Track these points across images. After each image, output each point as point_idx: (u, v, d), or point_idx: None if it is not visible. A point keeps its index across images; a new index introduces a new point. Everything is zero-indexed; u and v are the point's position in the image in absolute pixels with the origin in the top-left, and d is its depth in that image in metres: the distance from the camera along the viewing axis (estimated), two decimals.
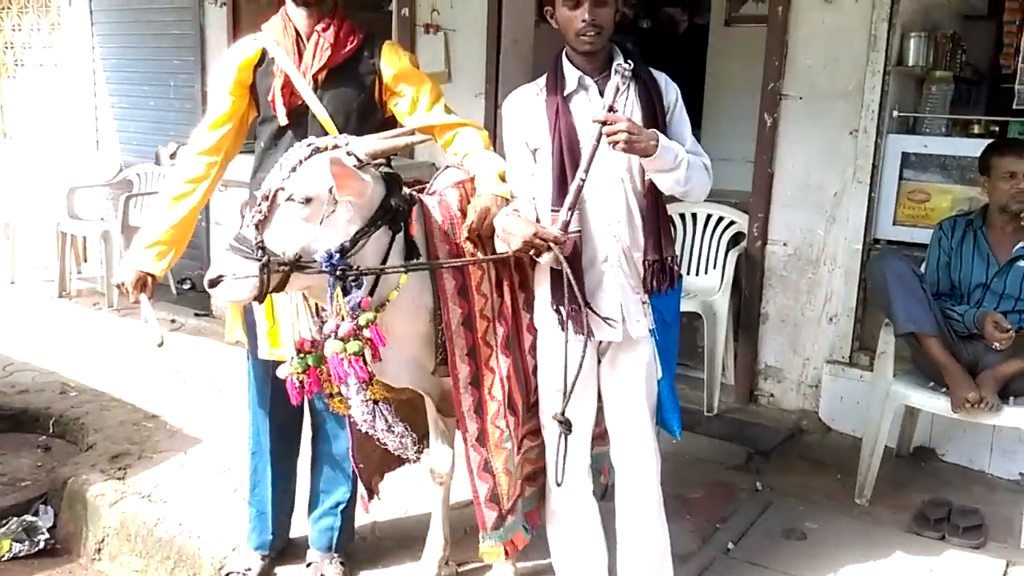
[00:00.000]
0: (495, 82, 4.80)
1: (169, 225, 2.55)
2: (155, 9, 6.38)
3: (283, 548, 2.92)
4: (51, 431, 4.10)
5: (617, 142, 2.11)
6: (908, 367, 3.37)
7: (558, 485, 2.30)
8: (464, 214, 2.35)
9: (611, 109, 2.15)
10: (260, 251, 2.03)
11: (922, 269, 3.34)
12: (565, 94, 2.30)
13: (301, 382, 2.23)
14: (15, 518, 3.35)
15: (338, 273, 2.05)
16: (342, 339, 2.05)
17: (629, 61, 2.28)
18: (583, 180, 2.17)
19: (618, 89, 2.17)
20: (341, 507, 2.83)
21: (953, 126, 3.92)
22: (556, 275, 2.29)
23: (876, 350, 3.40)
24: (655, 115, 2.30)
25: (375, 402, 2.17)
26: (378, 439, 2.28)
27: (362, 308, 2.07)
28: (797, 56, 3.96)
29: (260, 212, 2.05)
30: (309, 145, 2.12)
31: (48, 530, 3.37)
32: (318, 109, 2.50)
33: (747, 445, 3.77)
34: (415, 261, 2.23)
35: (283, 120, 2.52)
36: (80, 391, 4.38)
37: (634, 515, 2.49)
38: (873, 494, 3.33)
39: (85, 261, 6.85)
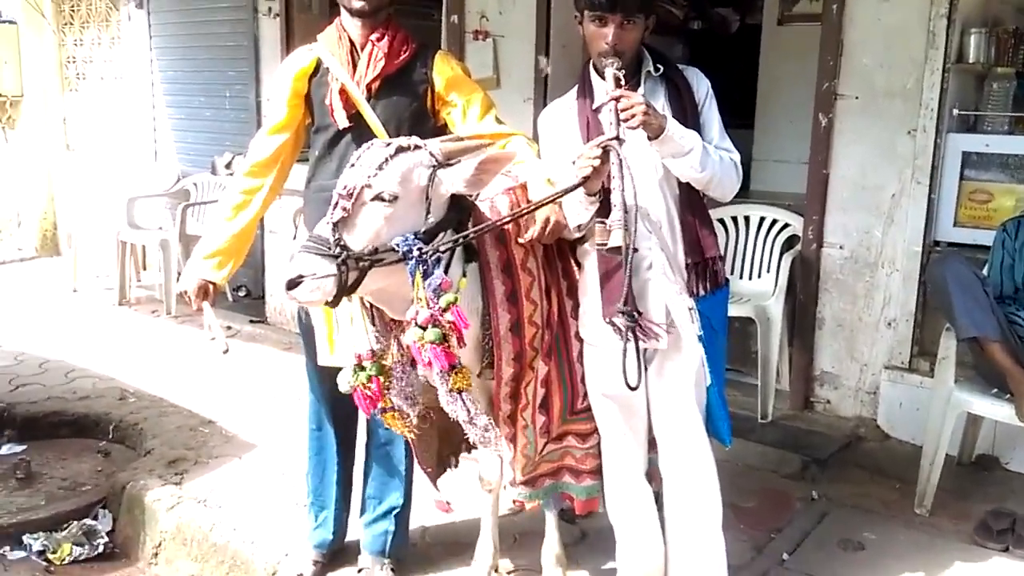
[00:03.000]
0: (543, 86, 4.81)
1: (230, 234, 2.62)
2: (210, 22, 6.51)
3: (336, 552, 2.95)
4: (111, 436, 4.18)
5: (634, 115, 2.08)
6: (970, 373, 3.27)
7: (631, 388, 2.16)
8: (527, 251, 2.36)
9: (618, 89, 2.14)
10: (339, 248, 1.99)
11: (984, 272, 3.24)
12: (594, 107, 2.30)
13: (369, 393, 2.22)
14: (75, 522, 3.43)
15: (416, 253, 2.02)
16: (421, 326, 2.02)
17: (658, 65, 2.32)
18: (620, 141, 2.09)
19: (617, 79, 2.16)
20: (396, 512, 2.84)
21: (1016, 124, 3.78)
22: (607, 282, 2.27)
23: (936, 355, 3.30)
24: (686, 114, 2.29)
25: (459, 391, 2.13)
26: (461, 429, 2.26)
27: (443, 289, 2.04)
28: (853, 55, 3.88)
29: (344, 210, 2.01)
30: (388, 144, 2.10)
31: (107, 534, 3.44)
32: (371, 118, 2.53)
33: (802, 453, 3.68)
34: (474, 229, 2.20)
35: (344, 123, 2.55)
36: (139, 397, 4.47)
37: (691, 524, 2.45)
38: (934, 504, 3.24)
39: (144, 269, 7.02)
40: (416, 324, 2.02)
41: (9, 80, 7.82)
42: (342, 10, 2.61)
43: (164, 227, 6.42)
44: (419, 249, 2.03)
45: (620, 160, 2.07)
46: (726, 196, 2.36)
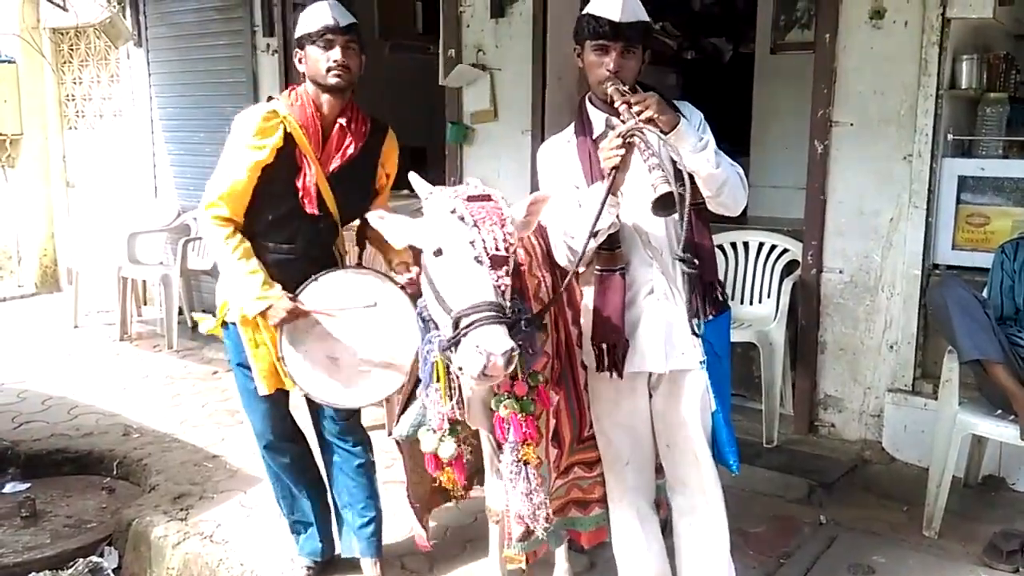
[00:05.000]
0: (541, 118, 4.85)
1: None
2: (209, 59, 6.56)
3: (327, 561, 3.04)
4: (115, 473, 4.17)
5: (648, 106, 2.09)
6: (974, 394, 3.28)
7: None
8: (529, 255, 2.39)
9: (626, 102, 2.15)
10: (512, 313, 1.97)
11: (984, 294, 3.27)
12: (594, 137, 2.32)
13: (463, 457, 2.26)
14: (81, 560, 3.42)
15: (524, 324, 2.05)
16: (518, 398, 2.09)
17: None
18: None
19: (621, 91, 2.18)
20: (373, 514, 2.92)
21: (1010, 147, 3.84)
22: (603, 306, 2.30)
23: (940, 377, 3.31)
24: None
25: (525, 463, 2.15)
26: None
27: (534, 369, 2.12)
28: (847, 82, 3.93)
29: (508, 274, 1.97)
30: (492, 199, 2.05)
31: (113, 571, 3.42)
32: (329, 196, 2.61)
33: (809, 477, 3.69)
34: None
35: (314, 210, 2.59)
36: (142, 433, 4.46)
37: (700, 551, 2.44)
38: (942, 526, 3.23)
39: (145, 304, 7.04)
40: (511, 394, 2.09)
41: (9, 119, 7.84)
42: (309, 81, 2.61)
43: (165, 262, 6.45)
44: (527, 317, 2.07)
45: (644, 141, 2.06)
46: (737, 206, 2.33)
